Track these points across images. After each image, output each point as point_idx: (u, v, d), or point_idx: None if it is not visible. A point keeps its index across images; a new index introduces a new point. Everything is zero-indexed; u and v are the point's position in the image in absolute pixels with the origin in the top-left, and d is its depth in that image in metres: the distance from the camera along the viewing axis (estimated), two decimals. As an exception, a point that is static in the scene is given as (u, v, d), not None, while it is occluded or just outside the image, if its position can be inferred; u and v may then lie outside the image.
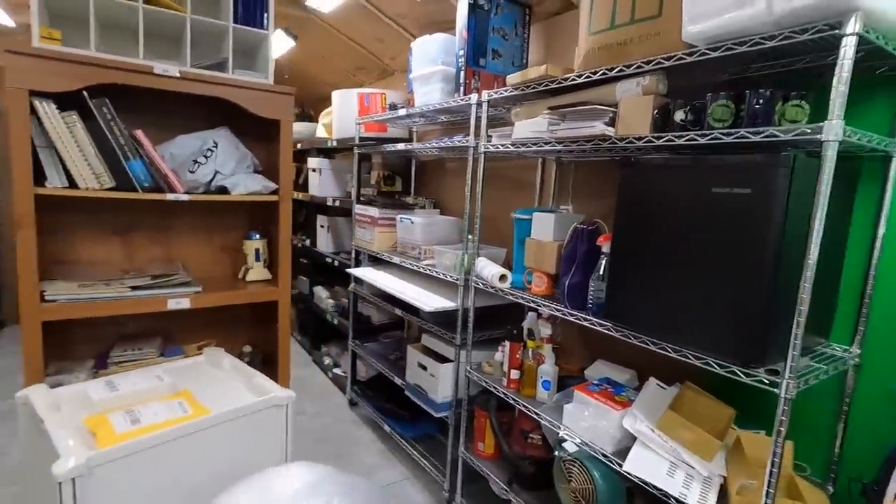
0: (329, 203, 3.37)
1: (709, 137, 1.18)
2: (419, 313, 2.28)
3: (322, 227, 3.63)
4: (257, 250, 1.84)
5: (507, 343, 1.87)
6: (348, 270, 2.82)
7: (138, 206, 1.73)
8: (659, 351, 1.30)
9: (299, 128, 3.86)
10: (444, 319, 2.18)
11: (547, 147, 1.64)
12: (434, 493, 2.29)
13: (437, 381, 2.19)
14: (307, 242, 3.95)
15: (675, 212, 1.23)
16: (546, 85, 1.63)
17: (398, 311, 2.51)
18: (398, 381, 2.52)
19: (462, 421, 2.10)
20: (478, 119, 1.96)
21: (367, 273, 2.62)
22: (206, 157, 1.66)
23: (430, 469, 2.31)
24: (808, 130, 1.01)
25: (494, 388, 1.91)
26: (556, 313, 1.63)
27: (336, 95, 3.12)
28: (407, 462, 2.54)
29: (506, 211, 2.22)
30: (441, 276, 2.13)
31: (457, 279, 2.04)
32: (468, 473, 2.12)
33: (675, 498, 1.23)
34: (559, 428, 1.60)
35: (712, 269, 1.16)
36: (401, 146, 2.58)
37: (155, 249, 1.81)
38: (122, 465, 1.08)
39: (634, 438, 1.39)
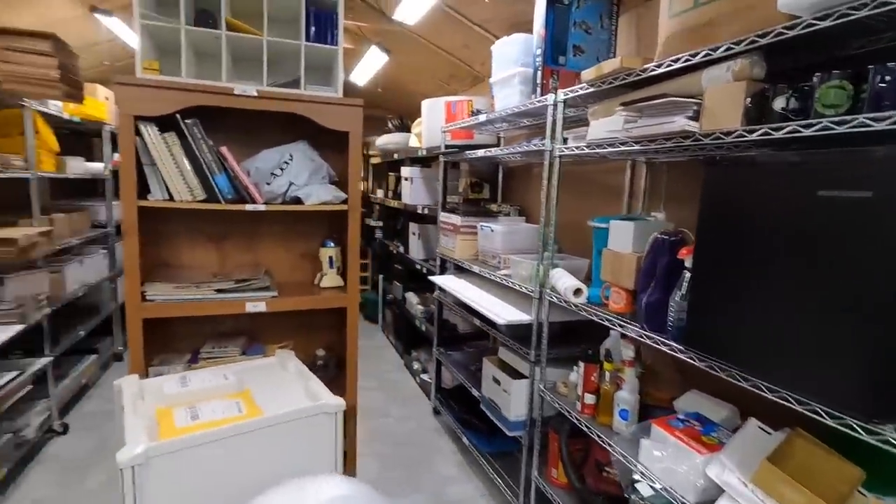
0: (419, 211, 3.42)
1: (815, 128, 0.94)
2: (496, 325, 2.19)
3: (413, 234, 3.70)
4: (331, 258, 1.91)
5: (581, 364, 1.71)
6: (430, 278, 2.82)
7: (230, 215, 1.90)
8: (750, 389, 1.07)
9: (396, 138, 3.99)
10: (520, 333, 2.06)
11: (624, 148, 1.47)
12: (507, 516, 2.18)
13: (509, 397, 2.08)
14: (401, 249, 4.06)
15: (767, 220, 1.01)
16: (623, 79, 1.46)
17: (477, 322, 2.45)
18: (475, 392, 2.45)
19: (535, 443, 1.97)
20: (553, 120, 1.84)
21: (446, 281, 2.60)
22: (282, 169, 1.76)
23: (505, 489, 2.20)
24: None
25: (567, 411, 1.75)
26: (632, 334, 1.45)
27: (425, 104, 3.15)
28: (483, 478, 2.45)
29: (592, 218, 2.04)
30: (517, 288, 2.03)
31: (532, 291, 1.92)
32: (542, 499, 1.97)
33: (767, 573, 1.00)
34: (634, 465, 1.41)
35: (817, 294, 0.93)
36: (480, 152, 2.52)
37: (244, 255, 1.96)
38: (177, 458, 1.16)
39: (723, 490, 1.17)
